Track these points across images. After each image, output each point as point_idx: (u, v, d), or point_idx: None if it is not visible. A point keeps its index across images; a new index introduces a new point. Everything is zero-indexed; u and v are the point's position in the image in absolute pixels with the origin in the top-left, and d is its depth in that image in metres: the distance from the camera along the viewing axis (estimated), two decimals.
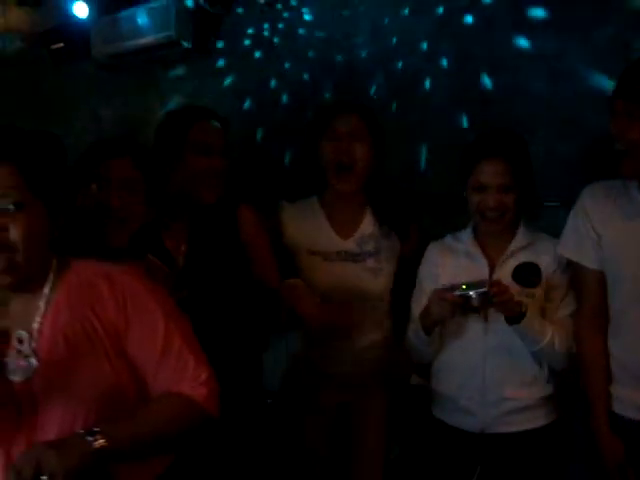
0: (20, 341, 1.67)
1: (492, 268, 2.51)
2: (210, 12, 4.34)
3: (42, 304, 1.72)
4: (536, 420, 2.52)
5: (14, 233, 1.63)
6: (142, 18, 4.94)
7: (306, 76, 4.42)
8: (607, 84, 2.98)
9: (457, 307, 2.35)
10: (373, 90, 4.01)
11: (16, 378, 1.66)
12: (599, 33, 3.18)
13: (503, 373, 2.49)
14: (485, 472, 2.36)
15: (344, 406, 2.92)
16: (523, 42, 3.44)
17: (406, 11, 3.89)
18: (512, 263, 2.48)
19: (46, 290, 1.73)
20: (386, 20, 3.97)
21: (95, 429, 1.56)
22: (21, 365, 1.66)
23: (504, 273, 2.47)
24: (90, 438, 1.54)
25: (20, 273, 1.66)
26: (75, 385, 1.67)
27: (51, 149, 2.30)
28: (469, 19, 3.63)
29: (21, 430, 1.65)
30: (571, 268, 2.45)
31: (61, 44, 6.05)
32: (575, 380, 2.48)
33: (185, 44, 4.82)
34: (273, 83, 4.58)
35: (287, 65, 4.52)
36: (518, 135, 2.58)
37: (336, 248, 2.87)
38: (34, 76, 6.41)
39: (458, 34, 3.67)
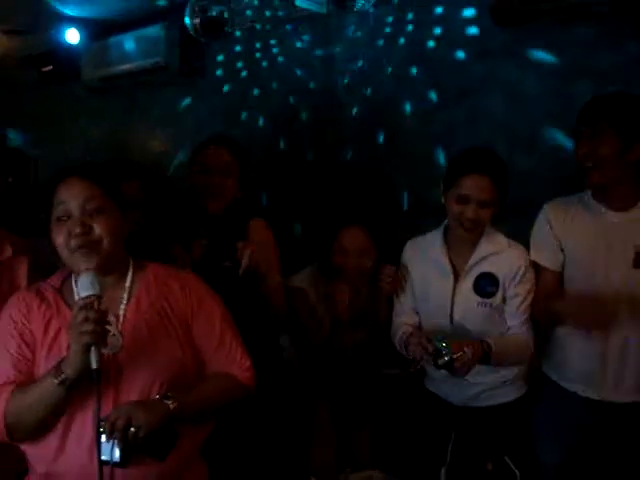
0: (108, 323, 2.00)
1: (457, 278, 2.81)
2: (196, 40, 4.59)
3: (125, 295, 2.12)
4: (508, 396, 2.86)
5: (97, 229, 2.02)
6: (131, 44, 5.28)
7: (284, 100, 4.77)
8: (557, 109, 3.39)
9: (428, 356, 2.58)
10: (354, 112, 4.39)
11: (106, 352, 1.99)
12: (552, 63, 3.59)
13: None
14: (460, 438, 2.65)
15: None
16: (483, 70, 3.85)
17: (381, 42, 4.25)
18: (474, 273, 2.78)
19: (127, 284, 2.14)
20: (361, 49, 4.35)
21: (169, 395, 1.97)
22: (110, 342, 2.00)
23: (466, 285, 2.79)
24: (167, 402, 1.94)
25: (104, 258, 2.05)
26: (152, 360, 2.05)
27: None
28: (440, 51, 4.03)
29: (108, 393, 1.98)
30: (535, 269, 2.79)
31: (50, 67, 6.37)
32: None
33: (172, 69, 5.15)
34: (252, 107, 4.94)
35: (265, 90, 4.88)
36: (498, 156, 2.82)
37: None
38: (24, 97, 6.73)
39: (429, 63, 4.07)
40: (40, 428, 1.99)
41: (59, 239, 2.03)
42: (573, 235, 2.73)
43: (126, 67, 5.39)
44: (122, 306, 2.11)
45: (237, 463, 2.56)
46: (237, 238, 2.85)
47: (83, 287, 1.93)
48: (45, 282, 2.16)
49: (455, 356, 2.47)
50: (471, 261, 2.79)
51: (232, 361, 2.20)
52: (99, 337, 1.86)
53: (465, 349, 2.49)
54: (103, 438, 1.87)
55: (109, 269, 2.11)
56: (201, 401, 2.08)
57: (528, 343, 2.76)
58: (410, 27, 4.11)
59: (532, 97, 3.63)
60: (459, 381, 2.74)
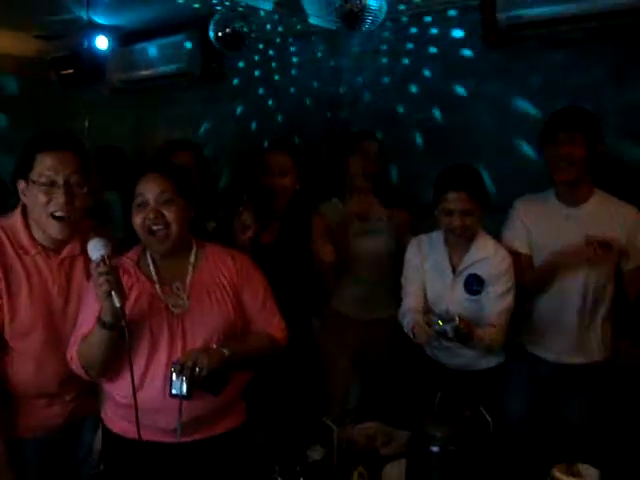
0: (177, 289, 2.55)
1: (454, 274, 3.27)
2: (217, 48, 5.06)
3: (190, 267, 2.62)
4: (489, 363, 3.33)
5: (168, 216, 2.51)
6: (156, 51, 5.80)
7: (296, 105, 5.31)
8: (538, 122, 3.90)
9: (435, 337, 3.07)
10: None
11: (176, 311, 2.52)
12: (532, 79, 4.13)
13: None
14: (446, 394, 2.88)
15: None
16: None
17: (383, 59, 4.83)
18: (465, 274, 3.23)
19: (192, 259, 2.64)
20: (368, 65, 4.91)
21: (224, 344, 2.48)
22: (179, 304, 2.53)
23: (459, 283, 3.24)
24: (223, 349, 2.46)
25: (174, 242, 2.55)
26: (211, 318, 2.54)
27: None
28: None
29: (178, 343, 2.49)
30: (513, 256, 3.26)
31: (71, 70, 6.86)
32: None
33: (194, 75, 5.70)
34: (269, 110, 5.46)
35: (279, 96, 5.43)
36: (475, 169, 3.30)
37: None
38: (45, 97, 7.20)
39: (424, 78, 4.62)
40: (106, 366, 2.47)
41: (138, 221, 2.52)
42: (538, 225, 3.29)
43: (150, 72, 5.95)
44: (188, 277, 2.61)
45: (267, 404, 3.05)
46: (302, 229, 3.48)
47: (92, 251, 2.36)
48: (125, 256, 2.62)
49: (456, 324, 2.94)
50: (462, 265, 3.25)
51: (271, 322, 2.71)
52: (113, 284, 2.29)
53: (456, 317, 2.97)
54: (174, 377, 2.37)
55: (178, 249, 2.61)
56: (247, 351, 2.59)
57: (500, 336, 3.17)
58: (409, 45, 4.68)
59: (515, 110, 4.16)
60: (451, 350, 3.25)
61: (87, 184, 2.59)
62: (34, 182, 2.51)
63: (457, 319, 2.94)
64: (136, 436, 2.37)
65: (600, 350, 3.30)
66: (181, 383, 2.36)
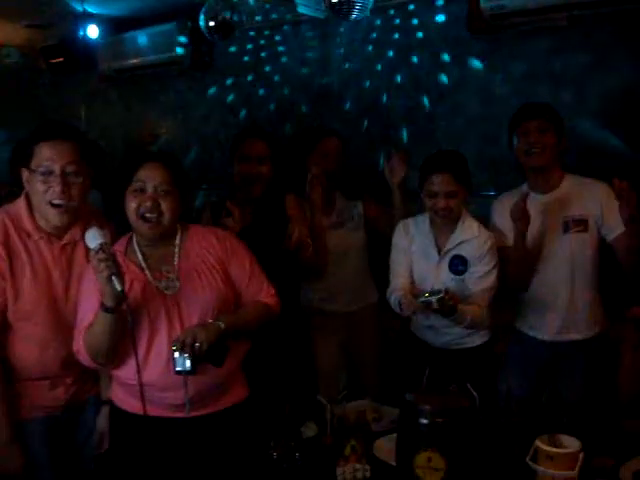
0: (167, 272, 2.66)
1: (439, 255, 3.37)
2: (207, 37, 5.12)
3: (176, 250, 2.72)
4: (474, 342, 3.44)
5: (164, 206, 2.61)
6: (148, 39, 5.85)
7: (285, 93, 5.40)
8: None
9: (422, 308, 3.13)
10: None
11: (169, 292, 2.63)
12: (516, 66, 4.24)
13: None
14: (433, 371, 2.97)
15: None
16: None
17: (370, 47, 4.92)
18: (450, 255, 3.33)
19: (177, 241, 2.73)
20: (356, 53, 5.00)
21: (219, 318, 2.59)
22: (170, 285, 2.64)
23: (444, 264, 3.34)
24: (218, 322, 2.57)
25: (165, 229, 2.65)
26: (203, 295, 2.64)
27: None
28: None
29: (175, 322, 2.59)
30: (500, 249, 3.36)
31: (61, 59, 6.91)
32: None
33: (183, 63, 5.76)
34: (259, 98, 5.54)
35: (269, 83, 5.51)
36: (459, 153, 3.40)
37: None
38: (34, 86, 7.26)
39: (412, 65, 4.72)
40: (113, 352, 2.57)
41: (132, 206, 2.61)
42: None
43: (141, 60, 5.98)
44: (175, 259, 2.71)
45: (264, 378, 3.14)
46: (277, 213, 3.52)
47: (90, 241, 2.45)
48: (114, 248, 2.67)
49: (441, 295, 3.02)
50: (447, 246, 3.34)
51: (260, 290, 2.81)
52: (112, 268, 2.38)
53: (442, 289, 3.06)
54: (176, 354, 2.47)
55: (165, 236, 2.71)
56: (242, 321, 2.70)
57: (483, 314, 3.26)
58: (396, 34, 4.77)
59: (499, 97, 4.27)
60: (437, 329, 3.37)
61: (86, 173, 2.68)
62: (33, 171, 2.61)
63: (443, 291, 3.03)
64: (141, 412, 2.52)
65: (593, 324, 3.42)
66: (184, 360, 2.46)
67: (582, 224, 3.28)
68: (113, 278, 2.37)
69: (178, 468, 2.64)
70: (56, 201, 2.61)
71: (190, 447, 2.65)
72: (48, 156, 2.60)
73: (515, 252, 3.35)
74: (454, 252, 3.32)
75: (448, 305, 3.05)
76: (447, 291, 3.05)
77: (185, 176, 2.79)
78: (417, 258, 3.43)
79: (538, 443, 2.46)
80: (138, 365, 2.48)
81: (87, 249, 2.65)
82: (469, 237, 3.31)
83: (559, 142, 3.34)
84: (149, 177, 2.62)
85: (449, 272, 3.33)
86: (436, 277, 3.36)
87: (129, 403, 2.67)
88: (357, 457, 2.59)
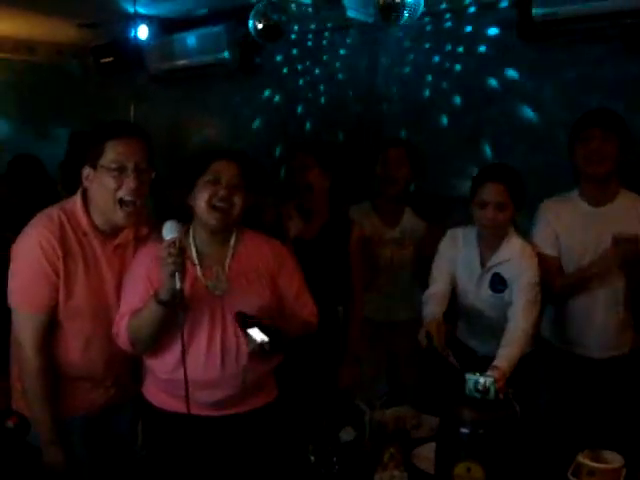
0: (217, 271, 2.70)
1: (483, 267, 3.33)
2: (255, 40, 5.15)
3: (230, 252, 2.76)
4: None
5: (235, 199, 2.67)
6: (196, 40, 5.90)
7: (332, 98, 5.41)
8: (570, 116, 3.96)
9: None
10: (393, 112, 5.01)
11: (217, 292, 2.67)
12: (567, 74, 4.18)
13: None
14: None
15: None
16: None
17: (419, 53, 4.92)
18: (491, 272, 3.29)
19: (232, 243, 2.77)
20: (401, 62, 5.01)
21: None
22: (219, 286, 2.68)
23: (485, 280, 3.31)
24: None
25: (232, 221, 2.71)
26: (248, 300, 2.67)
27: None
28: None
29: (218, 322, 2.65)
30: (541, 258, 3.30)
31: (111, 58, 7.00)
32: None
33: (232, 65, 5.80)
34: (306, 102, 5.56)
35: (315, 88, 5.53)
36: (514, 169, 3.31)
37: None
38: (84, 85, 7.36)
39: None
40: (154, 341, 2.61)
41: (205, 196, 2.64)
42: (565, 226, 3.35)
43: (189, 61, 6.03)
44: (227, 260, 2.74)
45: (300, 387, 3.17)
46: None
47: (167, 231, 2.49)
48: None
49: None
50: (490, 262, 3.30)
51: (304, 308, 2.87)
52: (179, 266, 2.42)
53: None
54: (250, 331, 2.50)
55: (224, 232, 2.75)
56: (289, 331, 2.70)
57: (527, 334, 3.14)
58: (445, 40, 4.75)
59: (549, 105, 4.22)
60: (482, 338, 3.40)
61: (151, 172, 2.71)
62: (104, 168, 2.61)
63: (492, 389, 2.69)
64: (176, 409, 2.58)
65: (627, 341, 3.37)
66: (256, 333, 2.51)
67: (633, 242, 3.12)
68: (176, 275, 2.42)
69: (209, 466, 2.67)
70: (128, 197, 2.62)
71: (222, 445, 2.68)
72: (122, 152, 2.60)
73: (567, 284, 3.34)
74: (495, 270, 3.29)
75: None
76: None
77: (254, 176, 2.85)
78: (460, 270, 3.40)
79: (580, 458, 2.43)
80: (184, 362, 2.49)
81: (137, 250, 2.74)
82: (510, 257, 3.26)
83: (621, 152, 3.24)
84: (224, 170, 2.68)
85: (489, 289, 3.31)
86: (477, 292, 3.35)
87: (161, 399, 2.72)
88: (395, 464, 2.58)
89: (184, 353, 2.48)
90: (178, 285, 2.42)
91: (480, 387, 2.58)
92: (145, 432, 2.86)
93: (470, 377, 2.61)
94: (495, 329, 3.24)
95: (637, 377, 3.35)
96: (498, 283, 3.27)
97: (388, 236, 3.96)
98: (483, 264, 3.32)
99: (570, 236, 3.35)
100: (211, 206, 2.65)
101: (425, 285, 3.47)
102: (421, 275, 3.78)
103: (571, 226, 3.34)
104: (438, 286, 3.38)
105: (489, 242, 3.32)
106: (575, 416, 3.35)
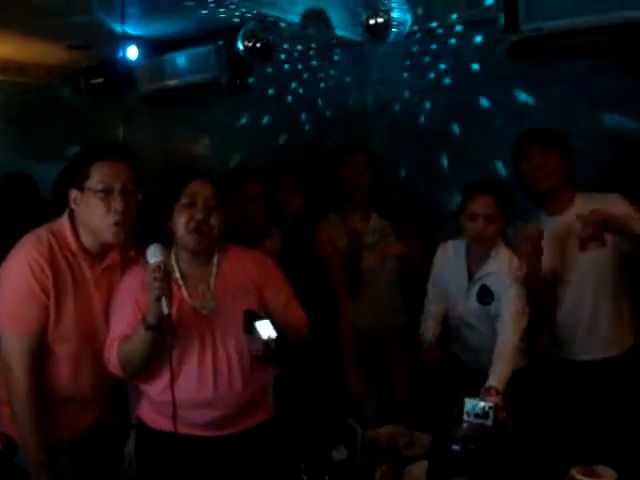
0: (203, 291, 2.69)
1: (470, 279, 3.38)
2: (244, 59, 5.17)
3: (214, 269, 2.75)
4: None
5: (213, 220, 2.67)
6: (186, 60, 5.91)
7: (322, 114, 5.43)
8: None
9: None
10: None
11: (204, 312, 2.67)
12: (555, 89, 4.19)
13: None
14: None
15: None
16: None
17: (406, 71, 4.93)
18: (478, 284, 3.33)
19: (215, 261, 2.77)
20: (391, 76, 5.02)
21: None
22: (205, 305, 2.67)
23: (473, 292, 3.34)
24: None
25: (212, 242, 2.71)
26: (237, 317, 2.62)
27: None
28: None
29: (208, 340, 2.64)
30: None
31: (101, 79, 7.01)
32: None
33: (222, 85, 5.79)
34: (295, 120, 5.57)
35: (306, 106, 5.54)
36: (504, 183, 3.47)
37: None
38: (75, 106, 7.36)
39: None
40: (145, 366, 2.60)
41: (182, 220, 2.65)
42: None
43: (179, 81, 6.04)
44: (212, 279, 2.73)
45: (294, 399, 3.15)
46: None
47: (151, 255, 2.48)
48: None
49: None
50: (478, 274, 3.35)
51: (294, 316, 2.82)
52: (164, 290, 2.41)
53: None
54: (258, 324, 2.49)
55: (206, 252, 2.74)
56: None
57: (517, 347, 3.17)
58: (432, 57, 4.78)
59: (538, 120, 4.21)
60: (477, 349, 3.40)
61: (137, 192, 2.70)
62: (90, 190, 2.60)
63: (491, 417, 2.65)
64: (169, 430, 2.53)
65: (621, 341, 3.37)
66: (265, 327, 2.50)
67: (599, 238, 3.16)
68: (162, 299, 2.40)
69: None
70: (117, 219, 2.61)
71: (217, 466, 2.66)
72: (108, 174, 2.60)
73: (534, 284, 3.27)
74: (482, 282, 3.32)
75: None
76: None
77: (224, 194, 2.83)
78: (450, 282, 3.44)
79: (573, 473, 2.42)
80: (172, 384, 2.49)
81: (124, 272, 2.74)
82: (497, 269, 3.29)
83: (564, 164, 3.33)
84: (199, 192, 2.67)
85: (476, 301, 3.34)
86: (465, 304, 3.39)
87: (156, 420, 2.69)
88: None
89: (172, 377, 2.48)
90: (165, 310, 2.40)
91: (479, 411, 2.58)
92: (139, 452, 2.83)
93: (469, 401, 2.60)
94: (484, 343, 3.28)
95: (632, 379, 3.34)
96: (485, 295, 3.30)
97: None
98: (471, 276, 3.36)
99: (545, 250, 3.29)
100: (189, 230, 2.65)
101: (408, 289, 3.51)
102: (404, 281, 3.80)
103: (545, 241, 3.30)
104: (434, 307, 3.48)
105: (477, 254, 3.36)
106: (567, 428, 3.32)
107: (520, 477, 2.51)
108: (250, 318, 2.54)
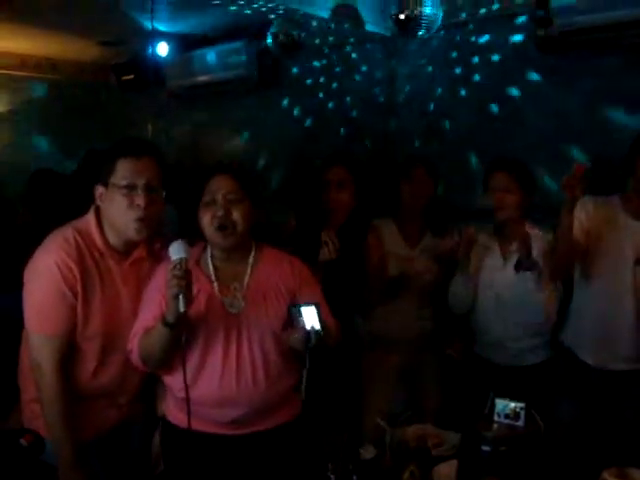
0: (235, 289, 2.67)
1: (503, 257, 3.48)
2: (274, 55, 5.18)
3: (248, 269, 2.73)
4: (537, 358, 3.47)
5: (235, 215, 2.63)
6: (216, 57, 5.95)
7: (351, 110, 5.40)
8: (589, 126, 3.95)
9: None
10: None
11: (233, 310, 2.64)
12: (587, 84, 4.14)
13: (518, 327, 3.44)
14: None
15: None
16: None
17: (437, 65, 4.89)
18: (514, 256, 3.34)
19: (250, 260, 2.74)
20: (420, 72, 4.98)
21: None
22: (235, 304, 2.65)
23: (509, 264, 3.40)
24: None
25: (237, 239, 2.67)
26: (265, 320, 2.64)
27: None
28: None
29: (234, 339, 2.61)
30: None
31: (131, 76, 7.07)
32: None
33: (252, 80, 5.83)
34: (326, 116, 5.56)
35: (335, 101, 5.52)
36: (520, 161, 3.52)
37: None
38: (105, 103, 7.43)
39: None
40: (163, 361, 2.60)
41: (206, 219, 2.64)
42: (598, 228, 3.34)
43: (209, 77, 6.09)
44: (246, 278, 2.71)
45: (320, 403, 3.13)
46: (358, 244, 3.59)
47: (174, 252, 2.46)
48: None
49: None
50: (511, 248, 3.40)
51: (329, 321, 2.71)
52: (182, 288, 2.39)
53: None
54: (304, 309, 2.47)
55: (239, 249, 2.72)
56: None
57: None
58: (463, 52, 4.72)
59: (568, 115, 4.17)
60: (501, 343, 3.46)
61: (162, 189, 2.69)
62: (115, 186, 2.60)
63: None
64: (193, 427, 2.53)
65: None
66: (311, 314, 2.47)
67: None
68: (180, 297, 2.38)
69: None
70: (139, 215, 2.60)
71: (239, 465, 2.65)
72: (132, 170, 2.59)
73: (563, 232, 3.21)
74: (517, 254, 3.34)
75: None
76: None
77: (256, 186, 2.82)
78: (483, 263, 3.55)
79: (605, 475, 2.38)
80: (186, 382, 2.49)
81: (152, 266, 2.73)
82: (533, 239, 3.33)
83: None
84: (218, 188, 2.65)
85: (513, 274, 3.37)
86: (501, 280, 3.48)
87: (177, 416, 2.69)
88: None
89: (185, 375, 2.48)
90: (181, 308, 2.39)
91: (510, 412, 2.57)
92: (164, 449, 2.83)
93: (499, 401, 2.58)
94: (507, 332, 3.43)
95: None
96: (523, 266, 3.31)
97: (408, 254, 3.89)
98: (504, 254, 3.49)
99: (600, 238, 3.31)
100: (213, 228, 2.64)
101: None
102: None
103: (604, 228, 3.31)
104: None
105: (506, 234, 3.48)
106: (602, 430, 3.28)
107: (551, 479, 2.48)
108: (296, 305, 2.52)
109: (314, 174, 3.67)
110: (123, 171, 2.60)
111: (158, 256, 2.79)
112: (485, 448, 2.39)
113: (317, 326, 2.45)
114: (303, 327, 2.46)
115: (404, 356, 3.90)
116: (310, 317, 2.46)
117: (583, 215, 3.29)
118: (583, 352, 3.37)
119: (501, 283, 3.46)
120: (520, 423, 2.51)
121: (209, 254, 2.74)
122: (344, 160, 3.75)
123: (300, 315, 2.48)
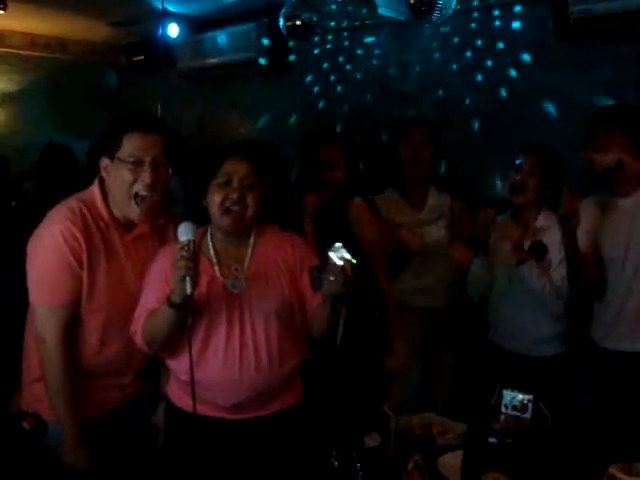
0: (236, 270, 2.64)
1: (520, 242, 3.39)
2: (285, 38, 5.13)
3: (249, 250, 2.70)
4: (554, 349, 3.40)
5: (249, 200, 2.60)
6: (227, 39, 5.91)
7: (362, 95, 5.36)
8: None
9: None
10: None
11: (235, 291, 2.61)
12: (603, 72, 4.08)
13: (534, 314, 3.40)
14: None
15: None
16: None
17: (450, 51, 4.84)
18: (531, 240, 3.32)
19: (251, 242, 2.71)
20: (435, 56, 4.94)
21: None
22: (237, 285, 2.62)
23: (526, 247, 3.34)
24: None
25: (247, 223, 2.65)
26: (267, 300, 2.62)
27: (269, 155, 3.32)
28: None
29: (234, 323, 2.59)
30: None
31: (142, 57, 7.04)
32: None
33: (262, 62, 5.79)
34: (336, 99, 5.52)
35: (345, 86, 5.49)
36: (548, 146, 3.48)
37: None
38: (116, 83, 7.41)
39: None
40: (167, 343, 2.58)
41: (217, 199, 2.59)
42: (601, 225, 3.32)
43: (219, 60, 6.05)
44: (247, 259, 2.68)
45: (325, 389, 3.11)
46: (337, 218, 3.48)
47: (181, 233, 2.44)
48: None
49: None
50: (528, 232, 3.38)
51: None
52: (190, 270, 2.36)
53: None
54: (331, 252, 2.36)
55: (242, 230, 2.69)
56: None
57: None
58: (477, 38, 4.68)
59: (583, 103, 4.12)
60: (516, 333, 3.41)
61: (170, 167, 2.67)
62: (121, 160, 2.57)
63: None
64: (196, 410, 2.48)
65: None
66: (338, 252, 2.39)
67: None
68: (187, 279, 2.36)
69: (228, 470, 2.62)
70: (143, 192, 2.58)
71: (242, 449, 2.63)
72: (139, 146, 2.57)
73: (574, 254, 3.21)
74: (534, 239, 3.32)
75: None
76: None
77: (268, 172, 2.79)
78: (501, 247, 3.47)
79: (612, 471, 2.35)
80: (191, 363, 2.46)
81: (154, 243, 2.72)
82: (549, 225, 3.35)
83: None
84: (234, 170, 2.61)
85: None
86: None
87: (182, 399, 2.67)
88: (420, 473, 2.51)
89: (191, 357, 2.45)
90: (188, 290, 2.36)
91: (517, 404, 2.53)
92: (167, 431, 2.81)
93: (507, 393, 2.55)
94: (523, 317, 3.38)
95: None
96: (538, 250, 3.28)
97: (417, 219, 3.87)
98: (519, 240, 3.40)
99: (602, 231, 3.30)
100: (224, 210, 2.60)
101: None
102: None
103: (604, 222, 3.30)
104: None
105: (524, 216, 3.46)
106: (611, 422, 3.25)
107: (557, 473, 2.44)
108: (319, 263, 2.49)
109: (306, 151, 3.64)
110: (130, 146, 2.57)
111: (162, 232, 2.79)
112: (492, 440, 2.35)
113: (347, 255, 2.36)
114: (335, 265, 2.36)
115: (422, 326, 3.90)
116: (339, 253, 2.37)
117: (588, 225, 3.26)
118: (609, 340, 3.30)
119: (518, 270, 3.38)
120: (527, 415, 2.48)
121: (209, 236, 2.72)
122: (336, 137, 3.77)
123: (330, 259, 2.37)
